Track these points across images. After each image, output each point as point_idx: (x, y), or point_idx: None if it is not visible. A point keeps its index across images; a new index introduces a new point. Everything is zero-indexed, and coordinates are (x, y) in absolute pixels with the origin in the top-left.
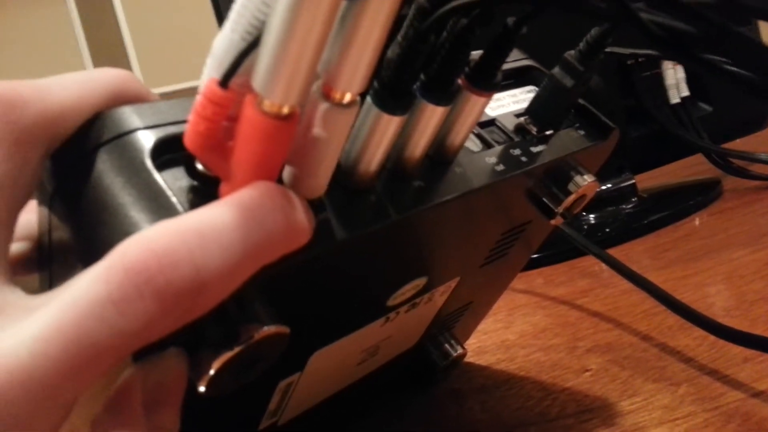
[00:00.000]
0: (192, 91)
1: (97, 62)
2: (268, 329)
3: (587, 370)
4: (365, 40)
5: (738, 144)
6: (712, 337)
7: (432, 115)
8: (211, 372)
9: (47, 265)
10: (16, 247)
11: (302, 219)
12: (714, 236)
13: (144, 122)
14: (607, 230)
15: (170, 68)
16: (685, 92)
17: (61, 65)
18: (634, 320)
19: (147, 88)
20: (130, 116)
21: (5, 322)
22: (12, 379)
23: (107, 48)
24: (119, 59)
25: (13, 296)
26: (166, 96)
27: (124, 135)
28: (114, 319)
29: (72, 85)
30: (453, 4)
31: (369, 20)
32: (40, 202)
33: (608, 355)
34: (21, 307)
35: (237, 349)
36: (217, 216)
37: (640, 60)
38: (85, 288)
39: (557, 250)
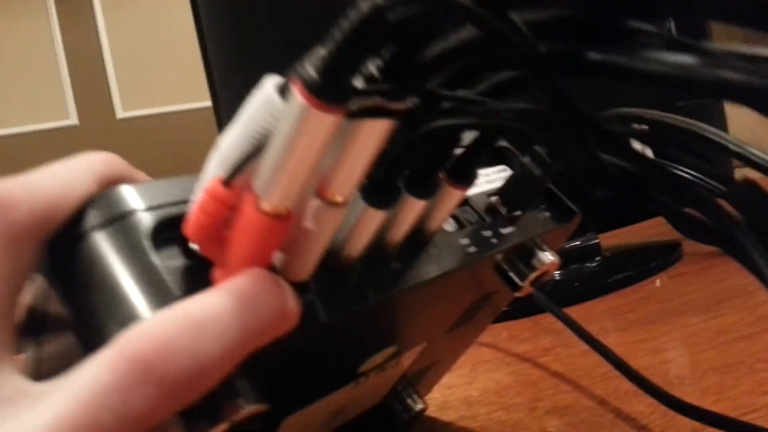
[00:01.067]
0: (166, 117)
1: (76, 80)
2: (251, 408)
3: None
4: (358, 156)
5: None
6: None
7: (414, 207)
8: None
9: (37, 333)
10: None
11: (291, 305)
12: (672, 300)
13: (142, 204)
14: (571, 288)
15: (149, 90)
16: (649, 155)
17: (40, 83)
18: (592, 383)
19: (133, 168)
20: (128, 197)
21: (17, 411)
22: None
23: (86, 65)
24: (98, 77)
25: (22, 384)
26: (143, 119)
27: (123, 217)
28: (119, 407)
29: (61, 175)
30: (440, 123)
31: (364, 140)
32: (39, 273)
33: (566, 417)
34: (30, 395)
35: (222, 427)
36: (214, 304)
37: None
38: (92, 376)
39: (523, 305)
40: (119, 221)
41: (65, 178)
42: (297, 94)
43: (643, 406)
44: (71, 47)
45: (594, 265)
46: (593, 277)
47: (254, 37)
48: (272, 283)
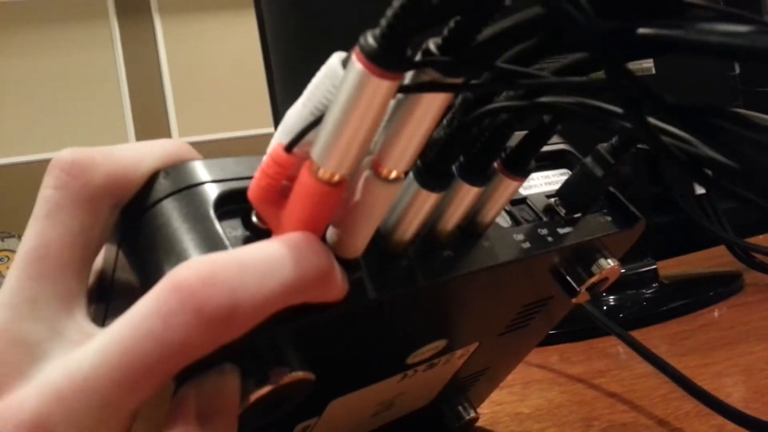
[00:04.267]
0: (222, 143)
1: (136, 107)
2: (297, 374)
3: None
4: (413, 131)
5: (761, 240)
6: (728, 427)
7: (467, 194)
8: (242, 406)
9: (105, 300)
10: None
11: (338, 274)
12: (733, 328)
13: (210, 176)
14: (626, 313)
15: (206, 119)
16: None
17: (101, 111)
18: (650, 404)
19: (200, 156)
20: (198, 170)
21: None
22: (75, 388)
23: (147, 93)
24: (157, 105)
25: (89, 328)
26: (198, 145)
27: (192, 186)
28: (160, 332)
29: (137, 147)
30: (491, 106)
31: (419, 114)
32: (109, 242)
33: None
34: (93, 336)
35: (267, 389)
36: (260, 250)
37: None
38: (139, 306)
39: (575, 328)
40: (187, 191)
41: (140, 150)
42: (355, 61)
43: (705, 427)
44: (133, 76)
45: (651, 291)
46: (650, 304)
47: (320, 61)
48: (319, 245)
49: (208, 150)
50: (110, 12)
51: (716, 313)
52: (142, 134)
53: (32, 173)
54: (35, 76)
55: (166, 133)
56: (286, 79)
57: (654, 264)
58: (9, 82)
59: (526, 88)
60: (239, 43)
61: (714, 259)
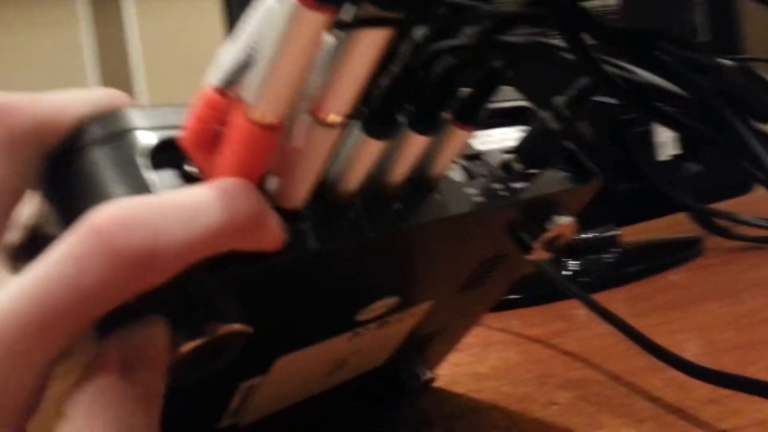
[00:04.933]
0: None
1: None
2: (231, 327)
3: (555, 404)
4: (353, 70)
5: (722, 206)
6: (680, 379)
7: (415, 144)
8: (173, 358)
9: (33, 255)
10: (12, 235)
11: (272, 220)
12: (690, 289)
13: (143, 123)
14: (587, 277)
15: (177, 94)
16: (675, 151)
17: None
18: (604, 360)
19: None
20: (131, 117)
21: None
22: None
23: (117, 75)
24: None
25: (5, 276)
26: None
27: (122, 133)
28: (74, 275)
29: (66, 94)
30: (442, 45)
31: (359, 53)
32: (38, 194)
33: (577, 391)
34: (6, 282)
35: (199, 341)
36: (186, 194)
37: (632, 116)
38: (54, 250)
39: (534, 293)
40: (118, 138)
41: (69, 96)
42: None
43: (657, 380)
44: (102, 57)
45: (611, 256)
46: (610, 268)
47: None
48: (251, 190)
49: None
50: None
51: (676, 277)
52: None
53: None
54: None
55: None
56: None
57: (617, 230)
58: None
59: (472, 23)
60: (205, 18)
61: (677, 227)
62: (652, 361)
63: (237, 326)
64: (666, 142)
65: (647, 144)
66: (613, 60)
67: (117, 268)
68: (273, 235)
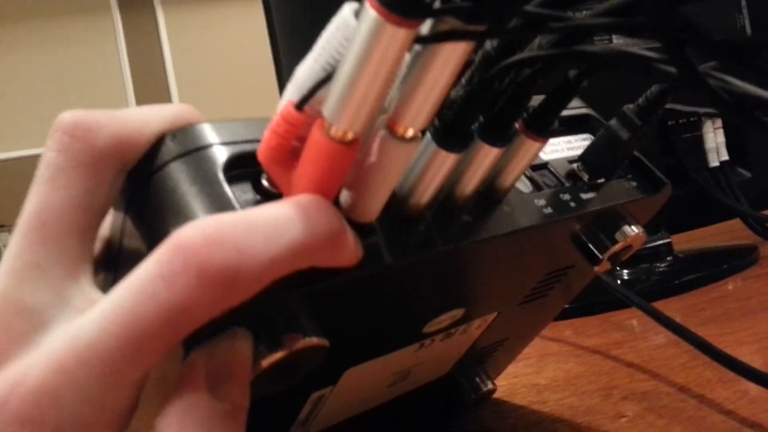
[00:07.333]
0: None
1: (140, 101)
2: (310, 340)
3: (623, 417)
4: (432, 84)
5: None
6: (751, 392)
7: (487, 156)
8: (254, 372)
9: (113, 268)
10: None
11: (350, 238)
12: (750, 299)
13: (219, 139)
14: (641, 287)
15: (211, 112)
16: (725, 156)
17: (106, 104)
18: (670, 372)
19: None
20: (206, 132)
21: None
22: (79, 357)
23: (151, 86)
24: (162, 98)
25: (94, 296)
26: None
27: (200, 149)
28: (163, 294)
29: (143, 111)
30: (517, 57)
31: (438, 67)
32: (116, 209)
33: (644, 403)
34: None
35: (280, 354)
36: (267, 211)
37: (680, 121)
38: (142, 268)
39: (589, 302)
40: (195, 153)
41: (146, 112)
42: (369, 8)
43: (729, 392)
44: (136, 69)
45: (665, 265)
46: (664, 277)
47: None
48: (329, 207)
49: None
50: (113, 4)
51: (731, 286)
52: None
53: (34, 168)
54: (37, 70)
55: None
56: (294, 67)
57: (668, 237)
58: (10, 76)
59: (556, 33)
60: (244, 33)
61: (728, 233)
62: (721, 372)
63: (316, 340)
64: (715, 147)
65: (696, 150)
66: (711, 71)
67: (205, 287)
68: (350, 251)
